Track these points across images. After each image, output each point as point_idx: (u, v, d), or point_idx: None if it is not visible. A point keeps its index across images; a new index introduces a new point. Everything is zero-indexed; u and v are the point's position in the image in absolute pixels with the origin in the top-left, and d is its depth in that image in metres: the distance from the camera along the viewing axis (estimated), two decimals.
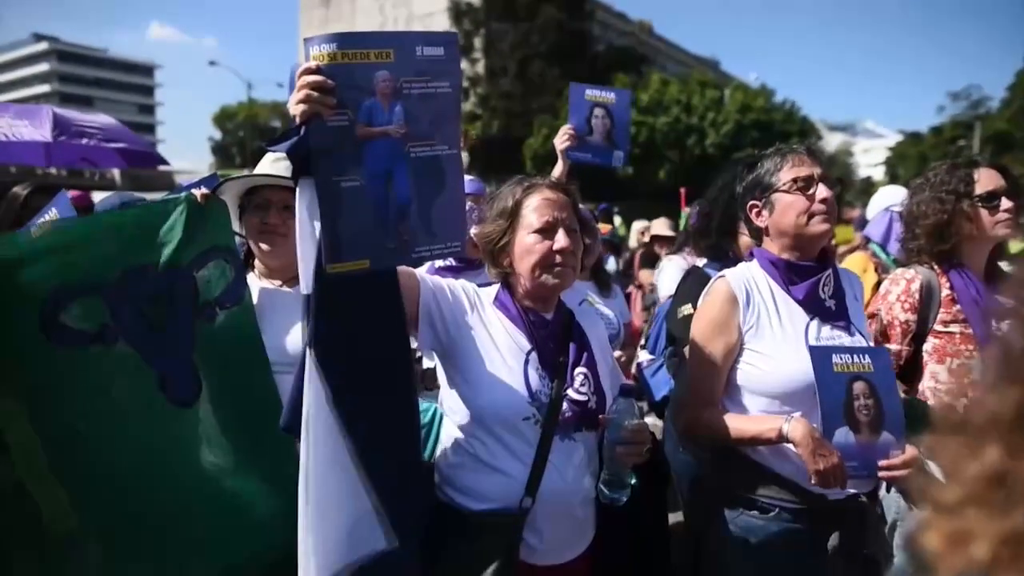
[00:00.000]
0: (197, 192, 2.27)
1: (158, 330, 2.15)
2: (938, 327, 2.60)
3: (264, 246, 2.42)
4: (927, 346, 2.62)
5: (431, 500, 1.98)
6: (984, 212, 2.58)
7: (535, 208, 2.00)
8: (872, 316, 2.67)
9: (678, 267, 5.59)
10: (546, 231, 1.97)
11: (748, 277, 2.21)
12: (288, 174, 2.45)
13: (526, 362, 1.97)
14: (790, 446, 2.00)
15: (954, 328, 2.58)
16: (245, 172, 2.58)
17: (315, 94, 1.51)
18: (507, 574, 1.85)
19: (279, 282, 2.46)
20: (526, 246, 1.98)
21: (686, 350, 2.45)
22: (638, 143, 38.82)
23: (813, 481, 1.93)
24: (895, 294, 2.67)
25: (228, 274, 2.27)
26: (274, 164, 2.50)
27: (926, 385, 2.61)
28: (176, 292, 2.18)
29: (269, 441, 2.18)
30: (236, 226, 2.49)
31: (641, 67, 51.66)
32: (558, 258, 1.96)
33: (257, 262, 2.52)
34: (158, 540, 2.10)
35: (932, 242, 2.66)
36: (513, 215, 2.02)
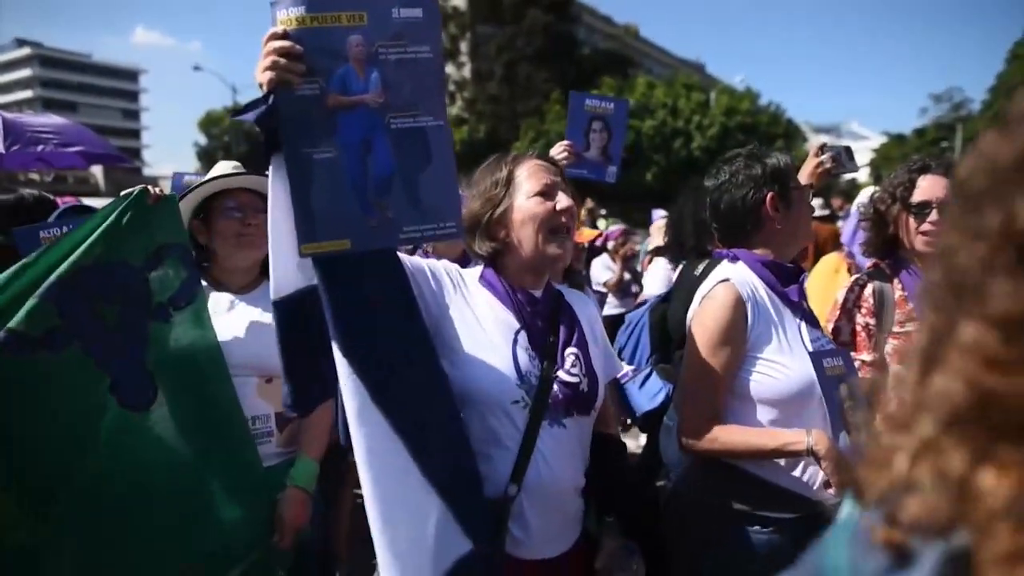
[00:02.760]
0: (151, 189, 2.26)
1: (111, 331, 2.10)
2: (896, 328, 2.59)
3: (242, 249, 2.41)
4: (888, 348, 2.60)
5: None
6: (911, 221, 2.57)
7: (531, 173, 1.94)
8: (836, 330, 2.65)
9: (663, 268, 5.65)
10: (546, 193, 1.91)
11: (749, 281, 2.11)
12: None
13: (515, 342, 1.87)
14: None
15: (910, 327, 2.56)
16: (209, 177, 2.55)
17: (282, 60, 1.42)
18: (492, 565, 1.75)
19: (234, 289, 2.45)
20: (527, 209, 1.90)
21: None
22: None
23: (835, 492, 1.88)
24: (851, 301, 2.66)
25: (182, 273, 2.23)
26: (234, 170, 2.50)
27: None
28: (129, 291, 2.14)
29: (229, 441, 2.17)
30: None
31: (627, 70, 51.84)
32: (562, 219, 1.90)
33: (215, 270, 2.46)
34: (116, 547, 2.06)
35: (874, 239, 2.69)
36: (508, 183, 1.94)
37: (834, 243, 5.47)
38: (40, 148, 4.66)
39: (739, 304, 2.05)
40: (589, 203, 10.45)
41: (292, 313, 1.62)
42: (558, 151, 3.15)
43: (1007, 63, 47.06)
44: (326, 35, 1.45)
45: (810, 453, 1.90)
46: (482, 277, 1.96)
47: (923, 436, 0.52)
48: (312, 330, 1.61)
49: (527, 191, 1.91)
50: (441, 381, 1.70)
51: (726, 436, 2.03)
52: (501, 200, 1.92)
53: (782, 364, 2.03)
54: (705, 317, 2.10)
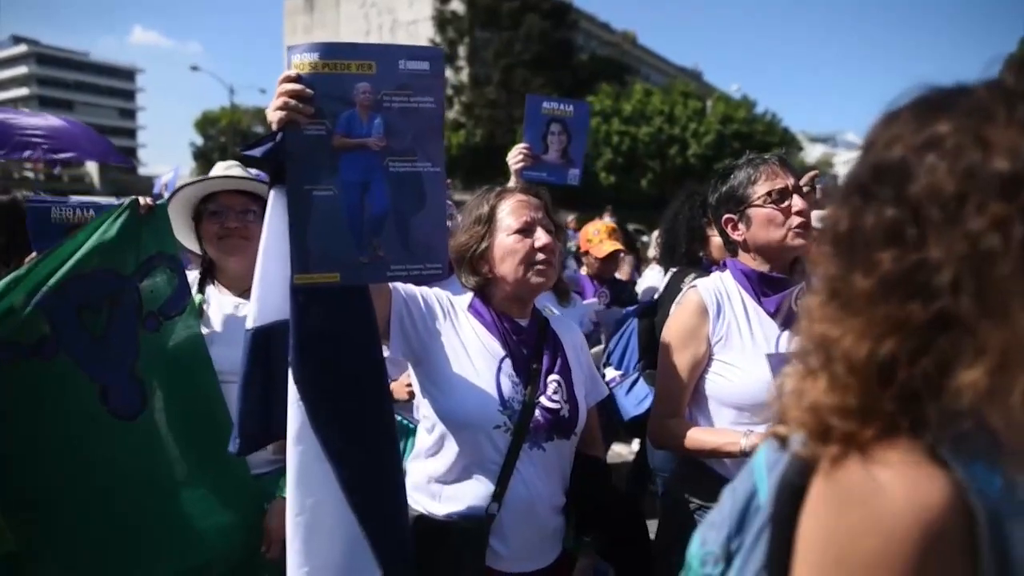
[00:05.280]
0: (142, 199, 2.25)
1: (99, 339, 2.11)
2: None
3: (226, 252, 2.40)
4: None
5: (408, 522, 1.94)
6: None
7: (512, 210, 2.02)
8: None
9: (659, 273, 5.61)
10: (525, 231, 1.99)
11: (720, 288, 2.21)
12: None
13: (499, 369, 1.96)
14: None
15: None
16: (197, 178, 2.55)
17: (292, 102, 1.51)
18: None
19: (236, 293, 2.44)
20: (507, 247, 1.98)
21: None
22: (620, 152, 39.06)
23: None
24: None
25: (172, 282, 2.25)
26: (228, 171, 2.50)
27: None
28: (118, 300, 2.16)
29: (219, 448, 2.17)
30: (191, 239, 2.47)
31: (624, 77, 52.00)
32: (540, 255, 1.97)
33: (218, 273, 2.49)
34: (104, 555, 2.06)
35: None
36: (490, 220, 2.03)
37: None
38: (28, 153, 4.56)
39: (701, 309, 2.17)
40: (608, 216, 10.20)
41: (264, 342, 1.67)
42: (514, 155, 3.18)
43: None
44: (336, 81, 1.54)
45: (744, 455, 1.98)
46: (470, 306, 2.05)
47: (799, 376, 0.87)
48: (273, 367, 1.66)
49: (507, 228, 1.99)
50: (383, 417, 1.78)
51: (678, 432, 2.16)
52: (483, 237, 2.01)
53: (739, 368, 2.11)
54: (673, 320, 2.25)
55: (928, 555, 0.69)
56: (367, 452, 1.72)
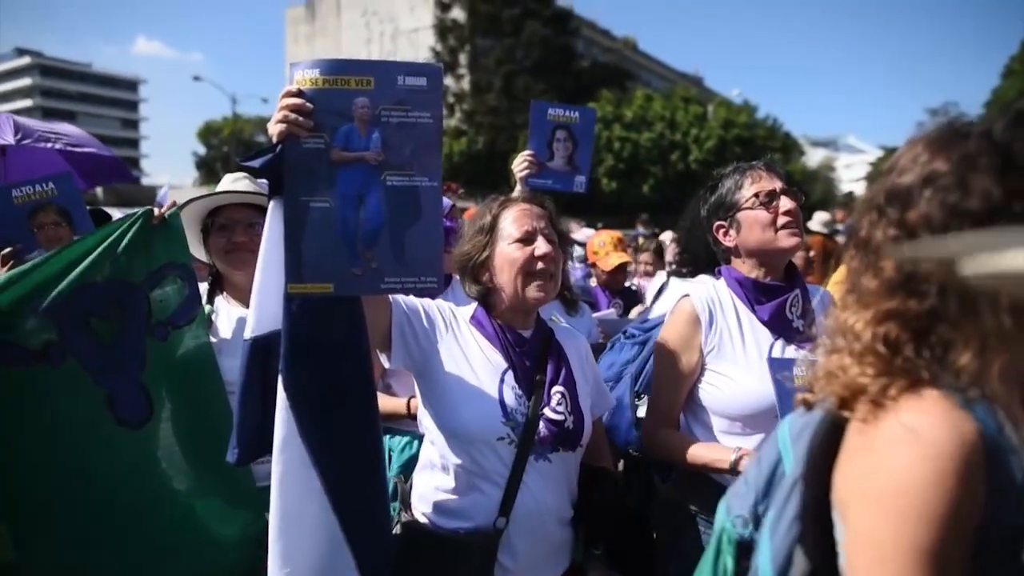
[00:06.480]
0: (156, 209, 2.26)
1: (106, 347, 2.11)
2: None
3: (233, 265, 2.41)
4: None
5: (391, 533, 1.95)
6: None
7: (514, 219, 2.02)
8: None
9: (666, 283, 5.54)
10: (526, 240, 1.98)
11: (713, 297, 2.20)
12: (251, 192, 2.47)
13: (502, 380, 1.95)
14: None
15: None
16: (205, 192, 2.56)
17: (293, 115, 1.54)
18: None
19: (245, 305, 2.45)
20: (507, 256, 1.98)
21: None
22: (622, 158, 39.08)
23: None
24: None
25: (182, 292, 2.25)
26: (235, 183, 2.50)
27: None
28: (127, 308, 2.16)
29: (225, 460, 2.17)
30: (200, 250, 2.48)
31: (625, 83, 52.12)
32: (540, 264, 1.96)
33: (226, 285, 2.50)
34: (107, 563, 2.05)
35: None
36: (492, 229, 2.02)
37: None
38: (49, 145, 4.68)
39: (693, 319, 2.16)
40: (641, 226, 9.75)
41: (262, 352, 1.70)
42: (519, 162, 3.15)
43: (1003, 78, 47.23)
44: (335, 96, 1.57)
45: (733, 472, 1.97)
46: (473, 317, 2.04)
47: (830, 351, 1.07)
48: (271, 376, 1.69)
49: (508, 237, 1.99)
50: (369, 426, 1.80)
51: (670, 443, 2.17)
52: (485, 246, 2.01)
53: (731, 379, 2.10)
54: (666, 329, 2.24)
55: (966, 475, 0.89)
56: (352, 459, 1.75)
